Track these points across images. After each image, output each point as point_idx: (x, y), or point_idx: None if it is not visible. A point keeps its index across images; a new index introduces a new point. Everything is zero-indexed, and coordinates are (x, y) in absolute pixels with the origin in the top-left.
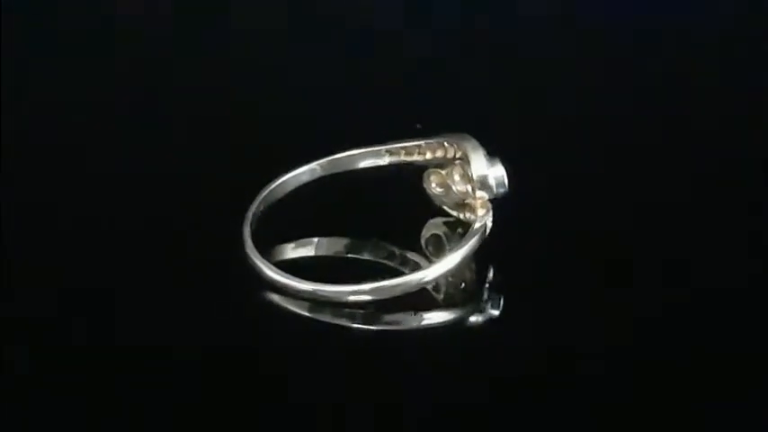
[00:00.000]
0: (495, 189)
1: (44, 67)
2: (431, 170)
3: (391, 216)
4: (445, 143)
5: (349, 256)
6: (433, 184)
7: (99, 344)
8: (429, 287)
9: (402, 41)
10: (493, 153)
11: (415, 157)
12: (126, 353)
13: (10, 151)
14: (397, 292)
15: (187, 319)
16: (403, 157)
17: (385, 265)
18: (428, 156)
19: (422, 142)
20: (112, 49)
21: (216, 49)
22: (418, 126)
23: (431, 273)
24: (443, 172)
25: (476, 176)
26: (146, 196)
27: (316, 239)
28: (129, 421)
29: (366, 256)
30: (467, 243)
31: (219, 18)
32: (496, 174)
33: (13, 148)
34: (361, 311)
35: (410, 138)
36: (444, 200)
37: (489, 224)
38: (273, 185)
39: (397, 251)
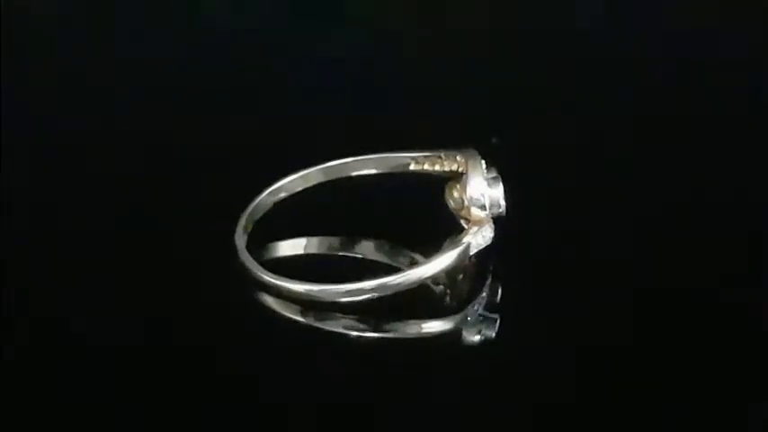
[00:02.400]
0: (488, 209)
1: (43, 67)
2: (452, 183)
3: (392, 220)
4: (457, 156)
5: (339, 254)
6: (455, 195)
7: (91, 344)
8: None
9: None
10: (503, 166)
11: (436, 168)
12: (119, 354)
13: (9, 151)
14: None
15: (182, 320)
16: (426, 167)
17: (378, 264)
18: (445, 167)
19: (441, 153)
20: (112, 49)
21: (216, 52)
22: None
23: (391, 280)
24: (459, 186)
25: (469, 195)
26: (142, 197)
27: (305, 239)
28: (119, 421)
29: (358, 255)
30: (443, 255)
31: (219, 21)
32: (492, 194)
33: (11, 147)
34: (355, 317)
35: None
36: (460, 213)
37: (478, 242)
38: (271, 189)
39: (390, 251)
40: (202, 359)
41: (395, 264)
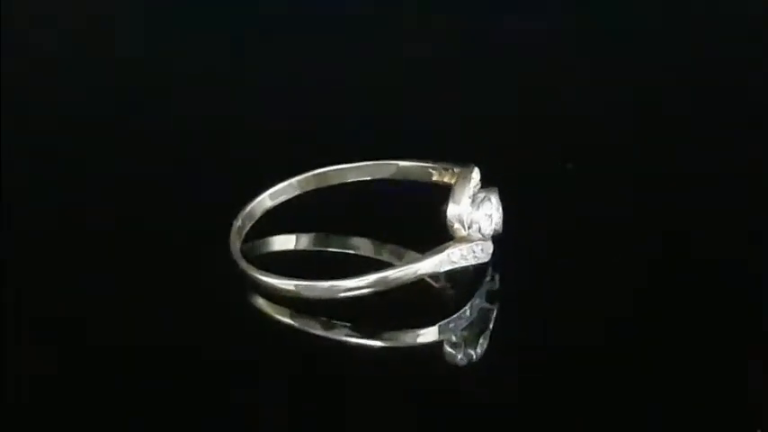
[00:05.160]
0: (466, 229)
1: (42, 69)
2: None
3: (392, 224)
4: (455, 170)
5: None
6: None
7: (89, 343)
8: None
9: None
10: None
11: (450, 180)
12: (114, 354)
13: (9, 152)
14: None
15: (180, 320)
16: (445, 179)
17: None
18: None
19: (452, 166)
20: (112, 48)
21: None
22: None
23: (354, 282)
24: None
25: (448, 211)
26: (138, 198)
27: (294, 236)
28: (117, 420)
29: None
30: (415, 263)
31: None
32: (474, 215)
33: (11, 149)
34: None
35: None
36: None
37: (452, 260)
38: (269, 192)
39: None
40: (200, 358)
41: (387, 262)
